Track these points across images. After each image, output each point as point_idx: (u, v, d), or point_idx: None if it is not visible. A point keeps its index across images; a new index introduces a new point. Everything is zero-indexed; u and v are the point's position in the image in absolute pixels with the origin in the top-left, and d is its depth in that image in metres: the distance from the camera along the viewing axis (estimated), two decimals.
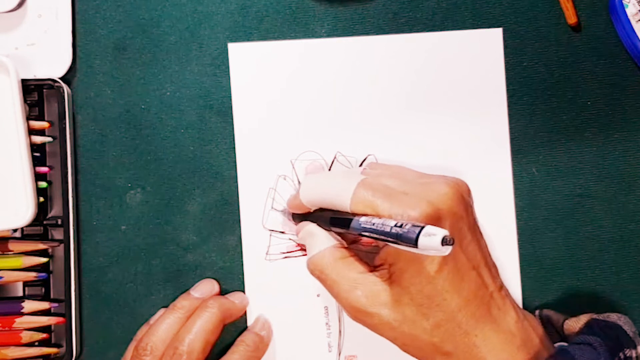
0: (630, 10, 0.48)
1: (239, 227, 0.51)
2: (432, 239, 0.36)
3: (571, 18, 0.50)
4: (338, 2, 0.50)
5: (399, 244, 0.37)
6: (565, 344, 0.44)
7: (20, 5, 0.49)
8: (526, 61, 0.51)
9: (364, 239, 0.45)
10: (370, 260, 0.44)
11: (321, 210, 0.46)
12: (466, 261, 0.42)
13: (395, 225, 0.38)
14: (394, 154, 0.51)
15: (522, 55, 0.51)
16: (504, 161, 0.50)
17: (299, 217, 0.48)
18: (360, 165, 0.51)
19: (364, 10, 0.50)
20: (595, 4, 0.51)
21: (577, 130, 0.51)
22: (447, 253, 0.36)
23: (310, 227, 0.46)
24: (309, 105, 0.51)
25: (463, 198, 0.41)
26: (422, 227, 0.36)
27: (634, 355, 0.42)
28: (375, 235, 0.39)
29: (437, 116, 0.51)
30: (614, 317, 0.44)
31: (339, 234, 0.45)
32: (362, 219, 0.40)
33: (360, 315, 0.42)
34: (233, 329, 0.49)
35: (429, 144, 0.51)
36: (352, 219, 0.41)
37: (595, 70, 0.51)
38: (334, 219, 0.43)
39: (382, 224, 0.39)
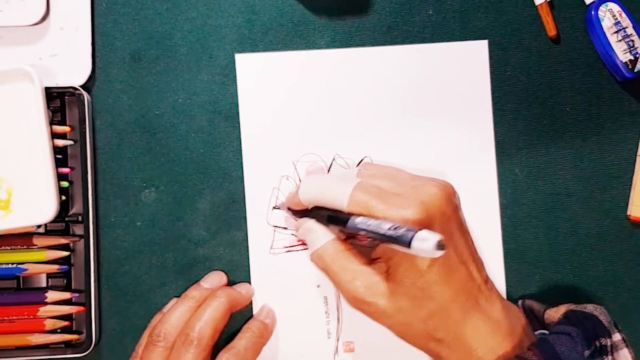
0: (606, 24, 0.49)
1: (245, 223, 0.51)
2: (425, 243, 0.36)
3: (551, 31, 0.51)
4: (337, 16, 0.51)
5: (393, 244, 0.38)
6: (545, 331, 0.44)
7: (43, 19, 0.50)
8: (510, 71, 0.51)
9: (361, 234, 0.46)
10: (367, 254, 0.44)
11: (318, 208, 0.46)
12: (455, 256, 0.42)
13: (390, 228, 0.38)
14: (388, 156, 0.51)
15: (506, 65, 0.51)
16: (489, 163, 0.51)
17: (297, 213, 0.48)
18: (357, 166, 0.51)
19: (361, 24, 0.51)
20: (574, 18, 0.51)
21: (556, 134, 0.51)
22: (438, 256, 0.36)
23: (309, 223, 0.46)
24: (310, 110, 0.51)
25: (451, 199, 0.42)
26: (416, 232, 0.36)
27: (608, 343, 0.43)
28: (370, 235, 0.39)
29: (428, 121, 0.51)
30: (590, 307, 0.45)
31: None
32: (358, 219, 0.40)
33: (359, 304, 0.43)
34: (240, 317, 0.50)
35: (420, 147, 0.51)
36: (348, 219, 0.41)
37: (573, 78, 0.51)
38: (331, 218, 0.44)
39: (378, 226, 0.39)
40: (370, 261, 0.43)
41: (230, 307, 0.48)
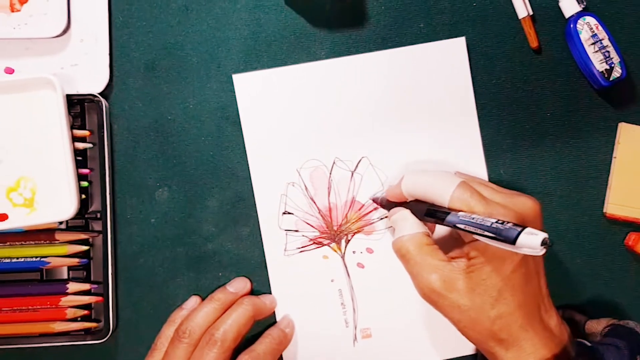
0: (584, 36, 0.50)
1: (252, 220, 0.52)
2: (533, 238, 0.35)
3: (533, 42, 0.52)
4: (335, 28, 0.52)
5: (493, 239, 0.37)
6: (583, 340, 0.46)
7: (65, 31, 0.51)
8: (495, 79, 0.52)
9: (459, 227, 0.42)
10: (445, 253, 0.44)
11: (417, 202, 0.45)
12: (533, 267, 0.43)
13: (496, 222, 0.37)
14: (384, 157, 0.52)
15: (492, 74, 0.52)
16: (479, 164, 0.52)
17: (393, 206, 0.48)
18: (355, 167, 0.51)
19: (358, 36, 0.52)
20: (554, 30, 0.52)
21: (538, 138, 0.52)
22: (541, 254, 0.35)
23: (404, 212, 0.46)
24: (307, 120, 0.51)
25: (540, 213, 0.43)
26: (524, 228, 0.36)
27: None
28: (470, 229, 0.39)
29: (418, 122, 0.51)
30: (632, 324, 0.46)
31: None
32: (462, 213, 0.40)
33: (433, 296, 0.43)
34: (262, 321, 0.51)
35: (413, 150, 0.51)
36: (448, 213, 0.41)
37: (553, 86, 0.52)
38: (430, 211, 0.43)
39: (483, 220, 0.38)
40: (449, 259, 0.43)
41: (254, 315, 0.49)
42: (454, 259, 0.43)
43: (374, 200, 0.51)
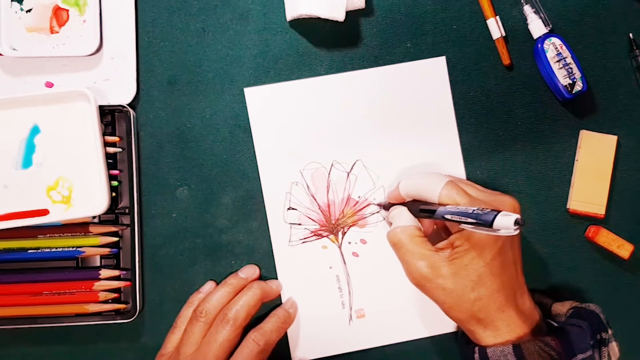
0: (550, 54, 0.52)
1: (260, 214, 0.53)
2: (507, 219, 0.37)
3: (506, 60, 0.54)
4: (334, 48, 0.54)
5: (475, 224, 0.39)
6: (550, 321, 0.48)
7: (97, 50, 0.53)
8: (472, 92, 0.54)
9: (447, 217, 0.44)
10: (433, 244, 0.47)
11: (413, 201, 0.48)
12: (511, 257, 0.45)
13: (477, 209, 0.40)
14: (375, 160, 0.54)
15: (469, 88, 0.54)
16: (458, 166, 0.54)
17: (390, 206, 0.50)
18: (351, 168, 0.53)
19: (353, 54, 0.54)
20: (524, 49, 0.54)
21: (510, 143, 0.54)
22: (515, 234, 0.37)
23: (402, 208, 0.48)
24: (309, 128, 0.53)
25: (519, 211, 0.46)
26: (499, 212, 0.38)
27: (606, 337, 0.47)
28: (456, 218, 0.41)
29: (405, 130, 0.53)
30: (592, 306, 0.48)
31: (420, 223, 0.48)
32: (448, 206, 0.43)
33: (422, 280, 0.45)
34: (268, 303, 0.53)
35: (401, 153, 0.53)
36: (437, 209, 0.44)
37: (523, 98, 0.54)
38: (423, 209, 0.46)
39: (466, 209, 0.41)
40: (436, 249, 0.46)
41: (262, 298, 0.51)
42: (440, 250, 0.46)
43: (379, 205, 0.53)
